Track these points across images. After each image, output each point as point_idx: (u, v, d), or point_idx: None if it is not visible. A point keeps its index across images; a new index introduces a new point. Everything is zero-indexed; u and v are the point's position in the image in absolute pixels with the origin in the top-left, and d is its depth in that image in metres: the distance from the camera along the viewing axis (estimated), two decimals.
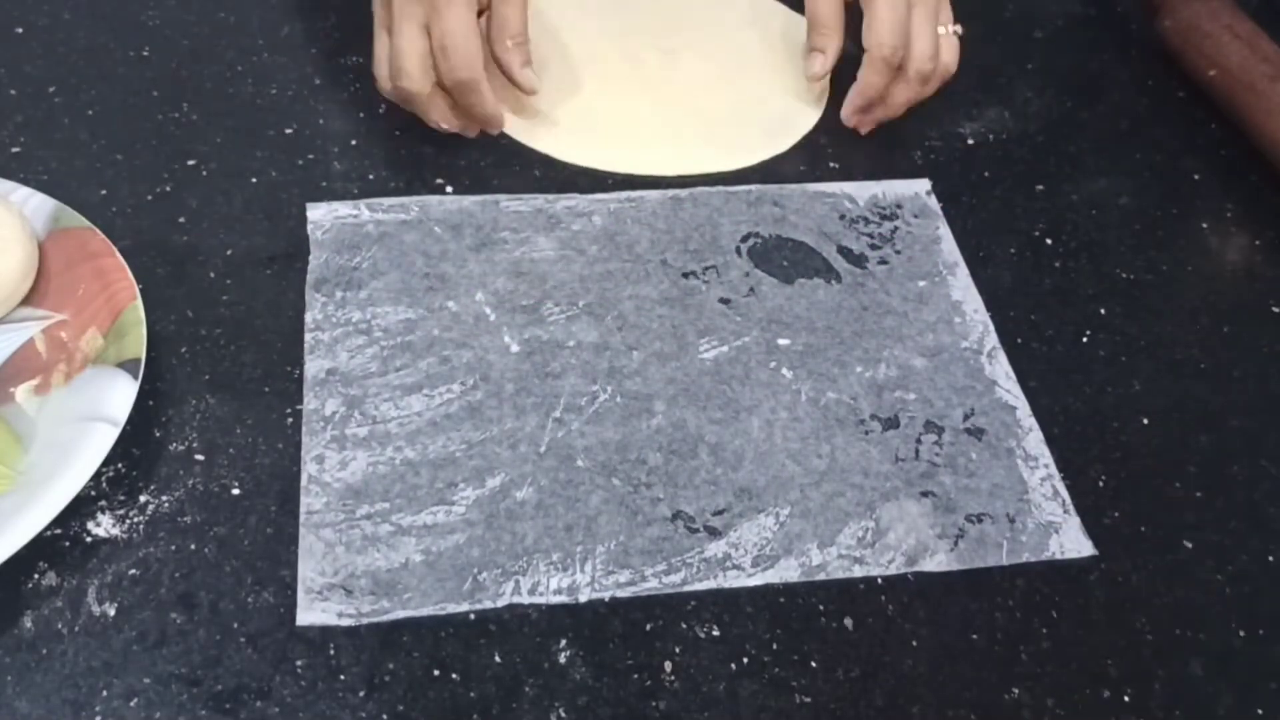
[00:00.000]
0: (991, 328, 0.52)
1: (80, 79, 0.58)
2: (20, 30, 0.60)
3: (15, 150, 0.54)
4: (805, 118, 0.60)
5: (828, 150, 0.59)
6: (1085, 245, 0.56)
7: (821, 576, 0.43)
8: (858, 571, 0.43)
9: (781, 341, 0.50)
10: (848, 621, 0.42)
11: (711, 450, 0.46)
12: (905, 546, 0.44)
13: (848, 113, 0.59)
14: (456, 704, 0.39)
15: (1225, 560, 0.45)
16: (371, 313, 0.49)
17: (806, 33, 0.59)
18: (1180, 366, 0.52)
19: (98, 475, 0.42)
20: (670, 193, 0.56)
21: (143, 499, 0.43)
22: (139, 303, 0.45)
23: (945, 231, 0.56)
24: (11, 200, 0.48)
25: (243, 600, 0.40)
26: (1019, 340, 0.52)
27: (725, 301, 0.51)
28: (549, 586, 0.41)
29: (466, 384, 0.47)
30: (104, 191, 0.53)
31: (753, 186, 0.57)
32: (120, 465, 0.43)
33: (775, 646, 0.41)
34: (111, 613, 0.40)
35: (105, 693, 0.38)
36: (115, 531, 0.42)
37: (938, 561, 0.43)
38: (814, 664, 0.41)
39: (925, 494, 0.45)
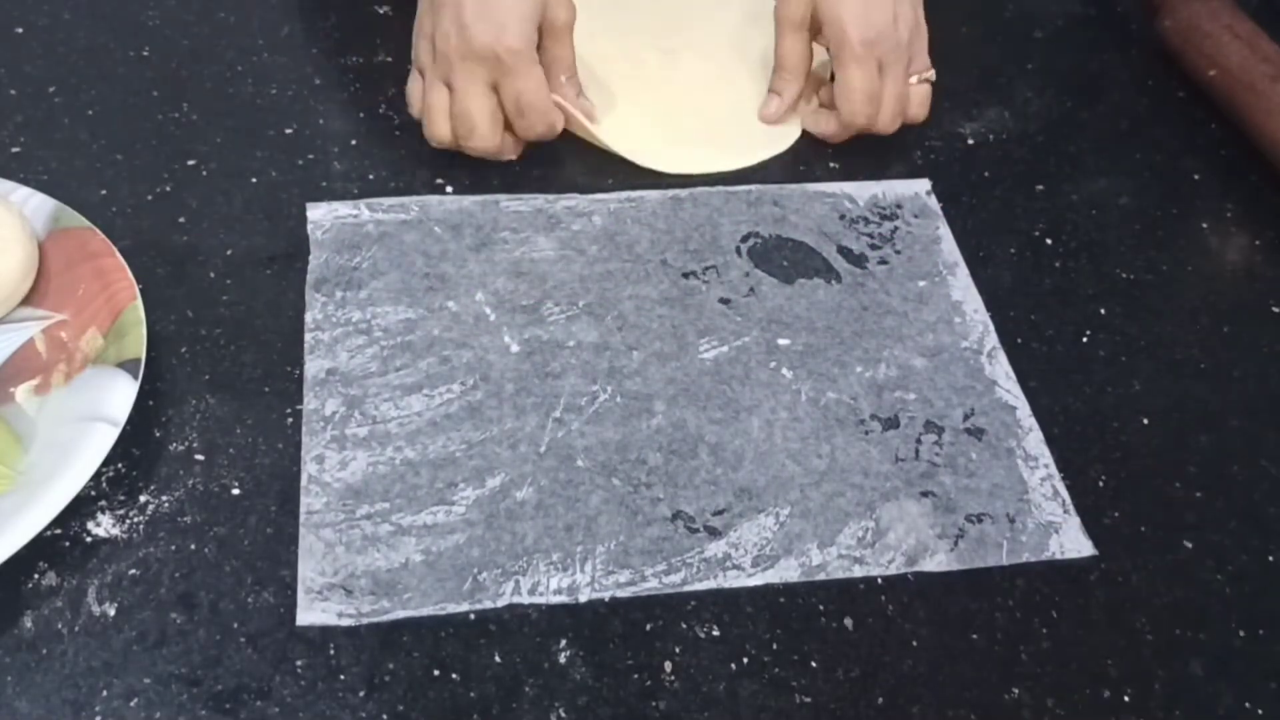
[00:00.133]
0: (991, 328, 0.52)
1: (80, 79, 0.58)
2: (20, 30, 0.60)
3: (15, 150, 0.54)
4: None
5: (828, 150, 0.59)
6: (1085, 245, 0.56)
7: (821, 576, 0.43)
8: (858, 571, 0.43)
9: (781, 341, 0.50)
10: (848, 621, 0.42)
11: (711, 450, 0.46)
12: (905, 546, 0.44)
13: (808, 126, 0.60)
14: (456, 704, 0.39)
15: (1225, 560, 0.45)
16: (371, 313, 0.49)
17: (772, 71, 0.60)
18: (1180, 366, 0.52)
19: (98, 475, 0.42)
20: (670, 193, 0.56)
21: (143, 499, 0.43)
22: (139, 303, 0.45)
23: (945, 231, 0.56)
24: (11, 200, 0.48)
25: (243, 600, 0.40)
26: (1019, 340, 0.52)
27: (725, 301, 0.51)
28: (549, 586, 0.41)
29: (466, 384, 0.47)
30: (104, 191, 0.53)
31: (753, 186, 0.57)
32: (120, 465, 0.43)
33: (775, 646, 0.41)
34: (111, 613, 0.40)
35: (105, 693, 0.38)
36: (115, 531, 0.42)
37: (938, 561, 0.43)
38: (814, 664, 0.41)
39: (925, 494, 0.45)
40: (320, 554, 0.41)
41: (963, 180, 0.59)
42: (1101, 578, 0.44)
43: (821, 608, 0.42)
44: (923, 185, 0.58)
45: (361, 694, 0.39)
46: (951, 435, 0.47)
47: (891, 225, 0.56)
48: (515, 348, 0.48)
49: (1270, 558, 0.45)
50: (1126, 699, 0.41)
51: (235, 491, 0.43)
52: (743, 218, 0.55)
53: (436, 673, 0.39)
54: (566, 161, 0.57)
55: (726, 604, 0.42)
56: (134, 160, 0.54)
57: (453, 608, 0.41)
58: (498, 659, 0.40)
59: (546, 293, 0.51)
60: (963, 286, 0.53)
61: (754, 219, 0.55)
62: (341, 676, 0.39)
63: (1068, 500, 0.46)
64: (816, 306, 0.52)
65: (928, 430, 0.47)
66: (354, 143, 0.56)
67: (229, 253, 0.51)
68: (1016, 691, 0.41)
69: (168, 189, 0.53)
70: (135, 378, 0.43)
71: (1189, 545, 0.45)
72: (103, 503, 0.42)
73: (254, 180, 0.54)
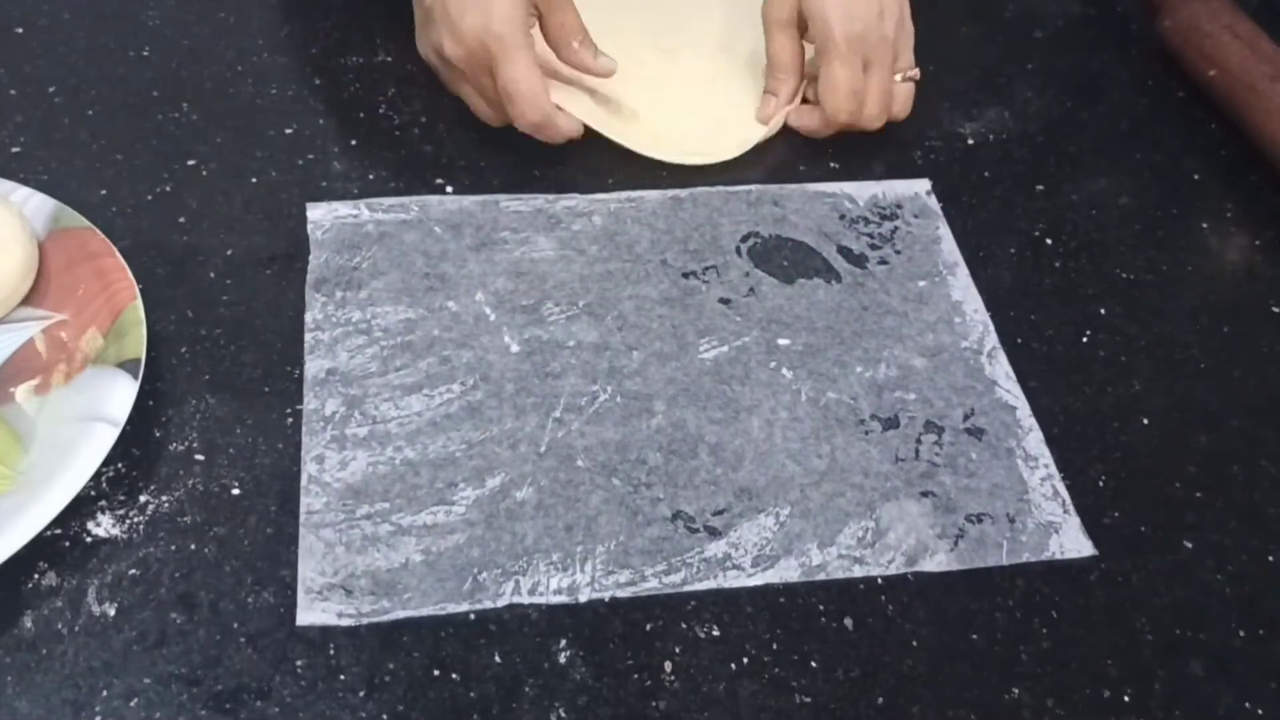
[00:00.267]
0: (991, 328, 0.52)
1: (80, 79, 0.58)
2: (20, 30, 0.60)
3: (15, 150, 0.54)
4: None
5: (828, 150, 0.59)
6: (1085, 245, 0.56)
7: (821, 576, 0.43)
8: (858, 571, 0.43)
9: (781, 341, 0.50)
10: (848, 621, 0.42)
11: (711, 450, 0.46)
12: (905, 546, 0.44)
13: (791, 122, 0.60)
14: (456, 704, 0.39)
15: (1225, 560, 0.45)
16: (371, 313, 0.49)
17: (765, 72, 0.60)
18: (1180, 366, 0.52)
19: (98, 475, 0.42)
20: (670, 193, 0.56)
21: (143, 499, 0.43)
22: (139, 303, 0.45)
23: (945, 231, 0.56)
24: (11, 200, 0.48)
25: (243, 600, 0.40)
26: (1019, 340, 0.52)
27: (725, 301, 0.51)
28: (549, 586, 0.41)
29: (466, 384, 0.47)
30: (104, 191, 0.53)
31: (753, 186, 0.57)
32: (120, 465, 0.43)
33: (775, 646, 0.41)
34: (111, 613, 0.40)
35: (105, 693, 0.38)
36: (115, 531, 0.42)
37: (938, 561, 0.43)
38: (814, 664, 0.41)
39: (925, 494, 0.45)
40: (320, 554, 0.41)
41: (963, 180, 0.59)
42: (1101, 578, 0.44)
43: (821, 608, 0.42)
44: (923, 185, 0.58)
45: (361, 694, 0.39)
46: (951, 435, 0.47)
47: (891, 225, 0.56)
48: (515, 348, 0.48)
49: (1270, 558, 0.45)
50: (1126, 699, 0.41)
51: (235, 491, 0.43)
52: (743, 218, 0.55)
53: (436, 673, 0.39)
54: (566, 161, 0.57)
55: (726, 604, 0.42)
56: (134, 160, 0.54)
57: (453, 608, 0.41)
58: (498, 659, 0.40)
59: (546, 293, 0.51)
60: (963, 286, 0.53)
61: (754, 219, 0.55)
62: (341, 676, 0.39)
63: (1068, 500, 0.46)
64: (816, 306, 0.52)
65: (928, 430, 0.47)
66: (354, 143, 0.56)
67: (229, 253, 0.51)
68: (1016, 691, 0.41)
69: (168, 189, 0.53)
70: (135, 378, 0.43)
71: (1189, 545, 0.45)
72: (103, 503, 0.42)
73: (254, 180, 0.54)
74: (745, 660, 0.41)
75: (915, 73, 0.59)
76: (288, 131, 0.57)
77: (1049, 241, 0.56)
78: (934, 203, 0.57)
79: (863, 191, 0.57)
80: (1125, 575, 0.44)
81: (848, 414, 0.48)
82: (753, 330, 0.50)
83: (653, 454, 0.45)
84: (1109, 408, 0.50)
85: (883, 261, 0.54)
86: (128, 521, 0.42)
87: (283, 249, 0.51)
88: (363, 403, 0.46)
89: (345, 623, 0.40)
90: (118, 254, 0.47)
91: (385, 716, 0.38)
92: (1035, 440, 0.48)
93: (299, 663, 0.39)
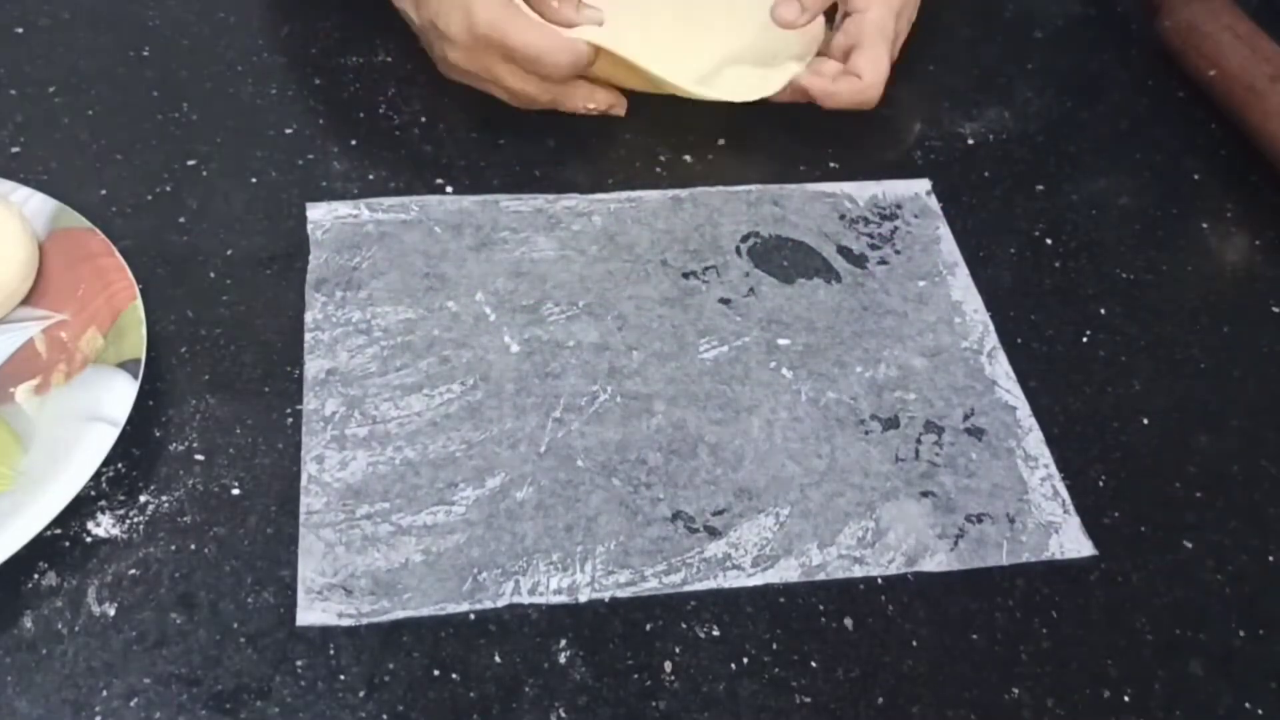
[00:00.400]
0: (991, 328, 0.52)
1: (80, 79, 0.58)
2: (20, 30, 0.60)
3: (15, 150, 0.54)
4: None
5: (828, 150, 0.59)
6: (1085, 245, 0.56)
7: (821, 576, 0.43)
8: (858, 571, 0.43)
9: (781, 341, 0.50)
10: (848, 621, 0.42)
11: (711, 450, 0.46)
12: (905, 546, 0.44)
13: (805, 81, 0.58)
14: (456, 704, 0.39)
15: (1225, 560, 0.45)
16: (371, 313, 0.49)
17: None
18: (1180, 366, 0.52)
19: (98, 475, 0.42)
20: (670, 193, 0.56)
21: (143, 499, 0.43)
22: (139, 303, 0.45)
23: (945, 231, 0.56)
24: (11, 200, 0.48)
25: (243, 600, 0.40)
26: (1019, 340, 0.52)
27: (725, 301, 0.51)
28: (549, 586, 0.41)
29: (466, 384, 0.47)
30: (104, 191, 0.53)
31: (753, 186, 0.57)
32: (120, 465, 0.43)
33: (775, 646, 0.41)
34: (111, 613, 0.40)
35: (105, 693, 0.38)
36: (115, 531, 0.42)
37: (938, 561, 0.43)
38: (814, 664, 0.41)
39: (925, 494, 0.45)
40: (320, 554, 0.41)
41: (963, 180, 0.59)
42: (1101, 578, 0.44)
43: (821, 608, 0.42)
44: (923, 185, 0.58)
45: (361, 694, 0.39)
46: (951, 435, 0.47)
47: (891, 225, 0.56)
48: (515, 348, 0.48)
49: (1270, 558, 0.45)
50: (1126, 699, 0.41)
51: (235, 491, 0.43)
52: (743, 218, 0.55)
53: (436, 673, 0.39)
54: (567, 161, 0.57)
55: (726, 604, 0.42)
56: (134, 160, 0.54)
57: (453, 608, 0.41)
58: (498, 659, 0.40)
59: (546, 293, 0.51)
60: (963, 286, 0.53)
61: (754, 219, 0.55)
62: (341, 676, 0.39)
63: (1068, 500, 0.46)
64: (816, 306, 0.52)
65: (928, 430, 0.47)
66: (354, 143, 0.56)
67: (229, 253, 0.51)
68: (1016, 691, 0.41)
69: (168, 189, 0.53)
70: (135, 378, 0.43)
71: (1189, 545, 0.45)
72: (103, 503, 0.42)
73: (254, 180, 0.54)
74: (745, 660, 0.41)
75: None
76: (288, 131, 0.57)
77: (1049, 241, 0.56)
78: (934, 203, 0.57)
79: (863, 191, 0.57)
80: (1125, 575, 0.44)
81: (848, 414, 0.48)
82: (753, 330, 0.50)
83: (653, 454, 0.45)
84: (1109, 408, 0.50)
85: (883, 261, 0.54)
86: (128, 521, 0.42)
87: (283, 249, 0.51)
88: (363, 403, 0.46)
89: (345, 623, 0.40)
90: (118, 254, 0.47)
91: (385, 716, 0.38)
92: (1035, 440, 0.48)
93: (299, 663, 0.39)
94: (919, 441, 0.47)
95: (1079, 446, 0.48)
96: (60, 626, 0.39)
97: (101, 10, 0.62)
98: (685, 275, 0.52)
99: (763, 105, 0.58)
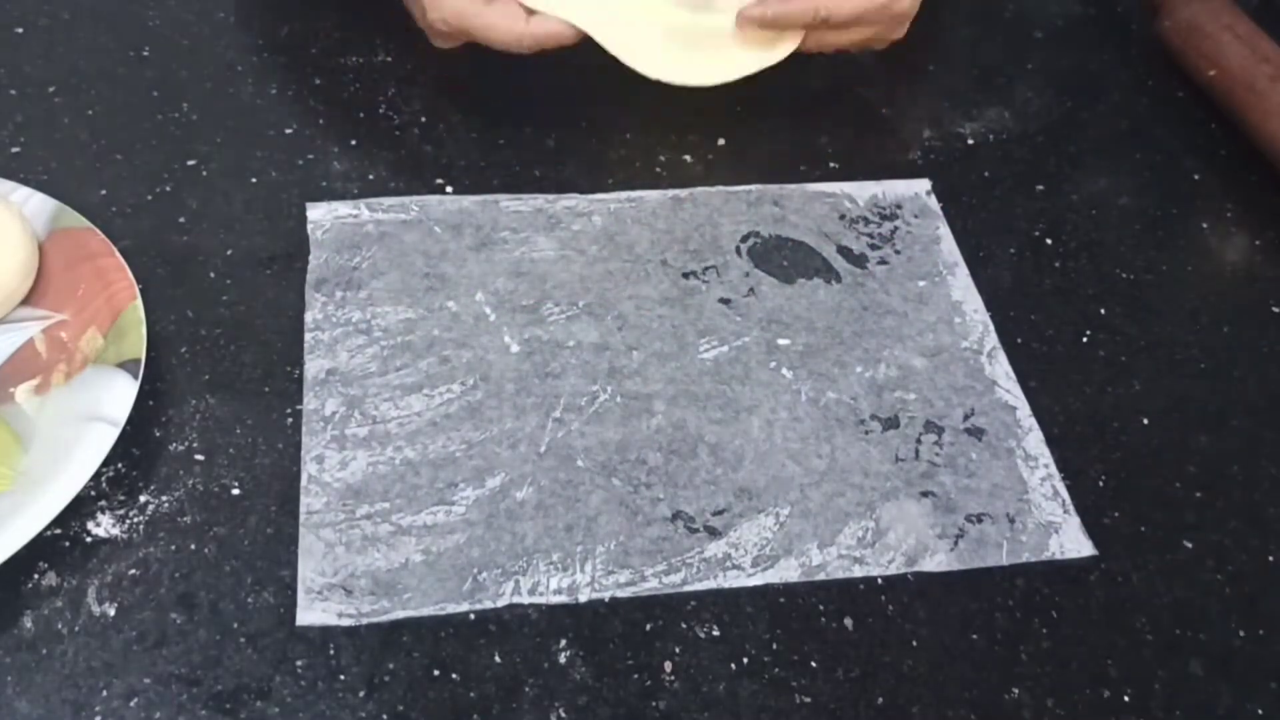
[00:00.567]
0: (991, 328, 0.52)
1: (80, 79, 0.58)
2: (20, 30, 0.60)
3: (15, 150, 0.54)
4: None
5: (828, 150, 0.59)
6: (1085, 245, 0.56)
7: (821, 576, 0.43)
8: (858, 571, 0.43)
9: (781, 341, 0.50)
10: (848, 621, 0.42)
11: (711, 450, 0.46)
12: (905, 546, 0.44)
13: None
14: (456, 704, 0.39)
15: (1225, 560, 0.45)
16: (371, 312, 0.49)
17: None
18: (1180, 366, 0.52)
19: (98, 475, 0.42)
20: (670, 193, 0.56)
21: (143, 499, 0.43)
22: (139, 303, 0.45)
23: (945, 231, 0.56)
24: (11, 200, 0.48)
25: (243, 600, 0.40)
26: (1019, 340, 0.52)
27: (725, 301, 0.51)
28: (549, 586, 0.41)
29: (466, 384, 0.47)
30: (104, 191, 0.53)
31: (753, 186, 0.57)
32: (120, 465, 0.43)
33: (775, 646, 0.41)
34: (111, 613, 0.40)
35: (105, 693, 0.38)
36: (115, 531, 0.42)
37: (938, 561, 0.43)
38: (814, 664, 0.41)
39: (925, 494, 0.45)
40: (320, 554, 0.41)
41: (963, 180, 0.59)
42: (1101, 578, 0.44)
43: (821, 608, 0.42)
44: (923, 185, 0.58)
45: (361, 694, 0.39)
46: (951, 435, 0.47)
47: (891, 225, 0.56)
48: (515, 348, 0.48)
49: (1270, 558, 0.45)
50: (1126, 699, 0.41)
51: (235, 491, 0.43)
52: (743, 218, 0.55)
53: (436, 673, 0.39)
54: (566, 161, 0.57)
55: (726, 604, 0.42)
56: (134, 160, 0.54)
57: (453, 608, 0.41)
58: (498, 659, 0.40)
59: (546, 293, 0.51)
60: (963, 286, 0.53)
61: (754, 219, 0.55)
62: (341, 676, 0.39)
63: (1068, 500, 0.46)
64: (816, 306, 0.52)
65: (928, 430, 0.47)
66: (354, 143, 0.56)
67: (229, 253, 0.51)
68: (1016, 691, 0.41)
69: (168, 189, 0.53)
70: (135, 378, 0.43)
71: (1189, 545, 0.45)
72: (103, 503, 0.42)
73: (254, 180, 0.54)
74: (745, 660, 0.41)
75: None
76: (288, 131, 0.57)
77: (1049, 241, 0.56)
78: (934, 203, 0.57)
79: (862, 191, 0.57)
80: (1125, 575, 0.44)
81: (848, 414, 0.48)
82: (753, 330, 0.50)
83: (653, 454, 0.45)
84: (1109, 408, 0.50)
85: (883, 261, 0.54)
86: (128, 521, 0.42)
87: (283, 249, 0.51)
88: (363, 403, 0.46)
89: (345, 623, 0.40)
90: (118, 254, 0.47)
91: (385, 716, 0.38)
92: (1035, 440, 0.48)
93: (299, 663, 0.39)
94: (919, 441, 0.47)
95: (1079, 446, 0.48)
96: (60, 626, 0.39)
97: (101, 10, 0.62)
98: (685, 275, 0.52)
99: (763, 105, 0.58)
